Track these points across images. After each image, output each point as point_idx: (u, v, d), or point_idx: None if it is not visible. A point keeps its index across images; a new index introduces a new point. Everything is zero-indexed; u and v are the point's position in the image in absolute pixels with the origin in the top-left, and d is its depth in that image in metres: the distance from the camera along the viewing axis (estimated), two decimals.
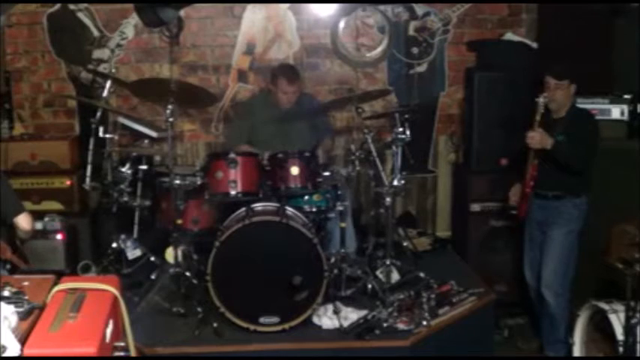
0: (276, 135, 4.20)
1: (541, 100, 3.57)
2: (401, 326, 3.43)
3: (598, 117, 4.06)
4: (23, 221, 2.88)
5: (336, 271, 3.75)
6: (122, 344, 2.23)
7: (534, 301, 3.97)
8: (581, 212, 3.73)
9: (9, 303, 2.04)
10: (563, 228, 3.72)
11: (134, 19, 4.83)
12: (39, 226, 4.16)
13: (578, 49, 4.38)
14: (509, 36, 4.94)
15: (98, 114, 4.00)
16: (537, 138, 3.57)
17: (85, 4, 4.82)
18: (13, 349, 1.82)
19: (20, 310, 2.05)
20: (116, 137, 4.21)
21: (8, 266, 3.01)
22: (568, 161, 3.61)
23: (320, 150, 4.12)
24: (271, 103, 4.34)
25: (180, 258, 3.72)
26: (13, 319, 1.97)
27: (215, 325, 3.42)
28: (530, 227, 3.90)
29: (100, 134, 3.96)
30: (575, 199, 3.72)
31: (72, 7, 4.83)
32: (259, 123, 4.31)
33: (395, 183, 3.80)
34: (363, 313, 3.52)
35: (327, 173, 3.78)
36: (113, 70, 4.50)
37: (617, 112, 4.29)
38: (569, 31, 4.49)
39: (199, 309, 3.51)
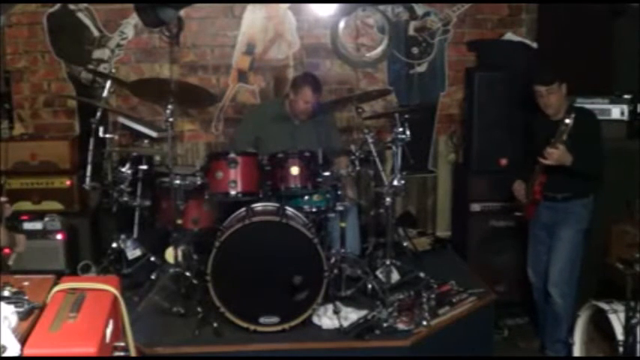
0: (284, 144, 4.03)
1: (568, 121, 3.43)
2: (401, 326, 3.42)
3: (598, 117, 4.06)
4: None
5: (336, 271, 3.75)
6: (122, 344, 2.22)
7: (537, 301, 3.97)
8: (589, 211, 3.74)
9: (9, 303, 2.03)
10: (572, 228, 3.72)
11: (134, 19, 4.83)
12: (39, 226, 4.17)
13: (578, 49, 4.39)
14: (509, 36, 4.94)
15: (98, 114, 3.99)
16: (556, 155, 3.49)
17: (85, 4, 4.82)
18: (13, 349, 1.82)
19: (20, 310, 2.04)
20: (116, 137, 4.21)
21: None
22: (586, 170, 3.59)
23: (337, 168, 3.96)
24: (284, 113, 4.27)
25: (180, 258, 3.71)
26: (13, 319, 1.97)
27: (215, 325, 3.42)
28: (535, 227, 3.89)
29: (100, 134, 3.95)
30: (583, 200, 3.72)
31: (72, 7, 4.82)
32: (267, 129, 4.22)
33: (395, 183, 3.79)
34: (363, 313, 3.52)
35: (327, 173, 3.78)
36: (113, 70, 4.49)
37: (617, 112, 4.29)
38: (569, 31, 4.49)
39: (199, 309, 3.50)
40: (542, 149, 3.54)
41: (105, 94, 4.14)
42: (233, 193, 3.64)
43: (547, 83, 3.61)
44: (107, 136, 3.99)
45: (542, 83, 3.62)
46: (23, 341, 1.90)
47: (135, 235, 4.14)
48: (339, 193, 3.83)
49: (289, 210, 3.66)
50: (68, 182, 4.39)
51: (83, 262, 4.10)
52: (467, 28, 5.01)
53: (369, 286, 3.78)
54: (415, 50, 5.04)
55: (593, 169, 3.61)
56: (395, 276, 3.88)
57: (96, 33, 4.88)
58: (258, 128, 4.27)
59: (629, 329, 3.04)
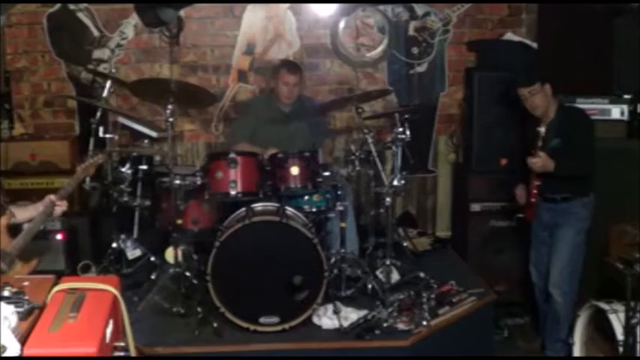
0: (276, 137, 4.19)
1: (542, 129, 3.54)
2: (401, 326, 3.42)
3: (598, 117, 4.07)
4: None
5: (336, 271, 3.75)
6: (122, 344, 2.22)
7: (538, 301, 3.97)
8: (590, 210, 3.73)
9: (9, 303, 2.03)
10: (572, 228, 3.71)
11: (134, 19, 4.83)
12: None
13: (578, 49, 4.39)
14: (509, 36, 4.94)
15: (98, 114, 3.99)
16: (539, 164, 3.57)
17: (85, 4, 4.83)
18: (13, 349, 1.82)
19: (20, 310, 2.04)
20: (116, 137, 4.20)
21: None
22: (572, 173, 3.61)
23: (321, 151, 4.10)
24: (273, 104, 4.35)
25: (180, 258, 3.71)
26: (13, 319, 1.97)
27: (215, 325, 3.42)
28: (536, 228, 3.89)
29: (100, 134, 3.95)
30: (583, 199, 3.71)
31: (72, 7, 4.83)
32: (260, 124, 4.30)
33: (395, 183, 3.79)
34: (363, 313, 3.51)
35: (327, 173, 3.78)
36: (113, 70, 4.50)
37: (617, 112, 4.29)
38: (569, 31, 4.50)
39: (199, 309, 3.50)
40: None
41: (105, 94, 4.14)
42: (233, 193, 3.64)
43: (527, 84, 3.62)
44: (107, 136, 3.99)
45: (522, 85, 3.64)
46: (23, 341, 1.90)
47: (135, 235, 4.14)
48: (339, 193, 3.83)
49: (289, 210, 3.66)
50: None
51: (83, 262, 4.09)
52: (467, 28, 5.01)
53: (369, 286, 3.78)
54: (415, 50, 5.04)
55: (581, 168, 3.61)
56: (395, 276, 3.88)
57: (96, 33, 4.88)
58: (254, 122, 4.34)
59: (629, 329, 3.03)
